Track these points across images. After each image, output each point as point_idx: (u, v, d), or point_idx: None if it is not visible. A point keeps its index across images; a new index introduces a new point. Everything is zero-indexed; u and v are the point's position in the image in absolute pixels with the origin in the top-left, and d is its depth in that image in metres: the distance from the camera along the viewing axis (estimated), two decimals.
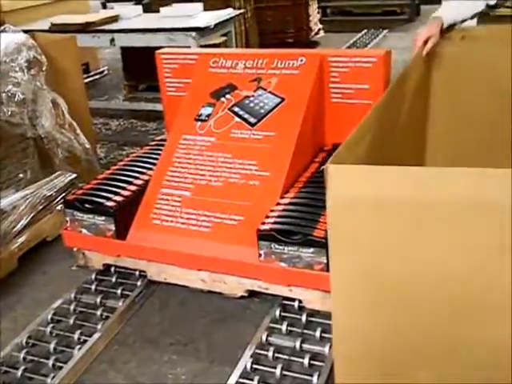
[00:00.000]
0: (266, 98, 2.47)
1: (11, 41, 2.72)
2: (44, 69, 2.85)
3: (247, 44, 5.61)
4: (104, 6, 8.23)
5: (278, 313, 2.12)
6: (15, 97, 2.65)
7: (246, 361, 1.91)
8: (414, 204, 1.16)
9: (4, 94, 2.61)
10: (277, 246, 2.02)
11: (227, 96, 2.53)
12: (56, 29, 4.12)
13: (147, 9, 4.99)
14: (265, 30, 6.05)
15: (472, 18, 2.30)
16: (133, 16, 4.55)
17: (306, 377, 1.86)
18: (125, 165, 2.66)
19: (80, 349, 2.04)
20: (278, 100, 2.44)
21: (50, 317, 2.21)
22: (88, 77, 5.37)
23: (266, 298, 2.22)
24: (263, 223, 2.08)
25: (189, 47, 3.74)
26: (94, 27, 4.19)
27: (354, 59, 2.47)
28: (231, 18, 4.37)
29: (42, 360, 2.02)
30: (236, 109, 2.48)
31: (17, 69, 2.69)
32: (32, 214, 2.69)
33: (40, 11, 5.06)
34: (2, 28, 3.09)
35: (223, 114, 2.48)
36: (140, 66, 4.73)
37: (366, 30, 6.81)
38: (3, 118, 2.60)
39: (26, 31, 3.04)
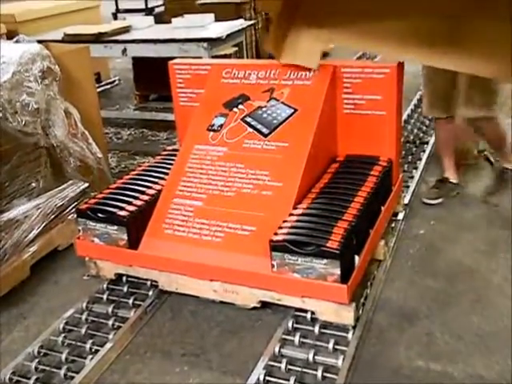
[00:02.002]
0: (279, 109, 2.47)
1: (26, 51, 2.74)
2: (57, 79, 2.86)
3: (258, 54, 5.63)
4: (115, 17, 8.33)
5: (290, 324, 2.11)
6: (29, 106, 2.66)
7: (258, 372, 1.89)
8: None
9: (18, 104, 2.62)
10: (290, 257, 2.01)
11: (240, 106, 2.53)
12: (69, 39, 4.15)
13: (159, 19, 5.03)
14: None
15: None
16: (144, 26, 4.58)
17: None
18: (137, 174, 2.66)
19: (92, 359, 2.03)
20: (291, 111, 2.45)
21: (61, 326, 2.21)
22: (99, 86, 5.41)
23: (278, 309, 2.21)
24: (276, 234, 2.07)
25: (200, 58, 3.76)
26: (107, 37, 4.22)
27: (367, 70, 2.47)
28: (242, 28, 4.39)
29: (53, 370, 2.02)
30: (249, 119, 2.48)
31: (31, 79, 2.70)
32: (44, 223, 2.70)
33: (52, 22, 5.11)
34: (16, 38, 3.12)
35: (236, 125, 2.49)
36: (151, 76, 4.76)
37: None
38: (17, 127, 2.62)
39: (39, 41, 3.06)
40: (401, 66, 2.45)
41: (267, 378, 1.89)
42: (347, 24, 2.37)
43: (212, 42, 3.90)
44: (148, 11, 8.52)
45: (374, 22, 2.30)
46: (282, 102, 2.49)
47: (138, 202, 2.41)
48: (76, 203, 2.83)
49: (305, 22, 2.47)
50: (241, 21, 4.51)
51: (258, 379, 1.88)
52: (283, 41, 2.52)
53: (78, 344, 2.13)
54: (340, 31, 2.41)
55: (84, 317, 2.26)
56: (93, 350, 2.09)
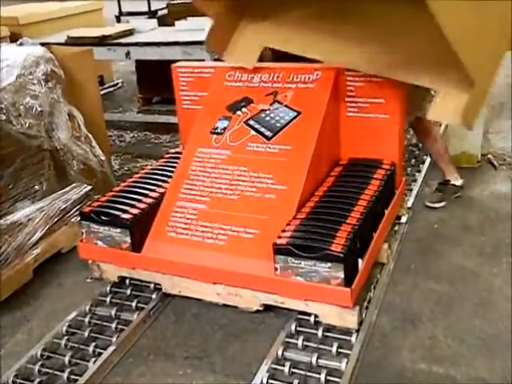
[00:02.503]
0: (282, 112, 2.47)
1: (30, 54, 2.75)
2: (61, 81, 2.87)
3: (260, 58, 5.61)
4: (118, 20, 8.33)
5: (293, 327, 2.11)
6: (33, 109, 2.68)
7: (261, 376, 1.90)
8: None
9: (22, 107, 2.63)
10: (293, 261, 2.01)
11: (243, 109, 2.53)
12: (72, 42, 4.16)
13: (162, 22, 5.03)
14: None
15: None
16: (148, 29, 4.59)
17: None
18: (140, 177, 2.66)
19: (95, 361, 2.03)
20: (294, 114, 2.45)
21: (65, 329, 2.21)
22: (103, 89, 5.41)
23: (281, 313, 2.20)
24: (279, 237, 2.07)
25: (203, 60, 3.76)
26: (110, 40, 4.23)
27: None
28: None
29: (56, 372, 2.02)
30: (252, 122, 2.48)
31: (35, 81, 2.71)
32: (47, 226, 2.71)
33: (56, 24, 5.12)
34: (20, 41, 3.13)
35: (239, 128, 2.49)
36: (154, 79, 4.76)
37: None
38: (20, 130, 2.63)
39: (43, 44, 3.07)
40: None
41: (270, 381, 1.89)
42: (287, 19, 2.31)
43: None
44: (151, 14, 8.51)
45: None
46: (286, 105, 2.49)
47: (142, 205, 2.41)
48: (79, 206, 2.84)
49: (250, 18, 2.42)
50: None
51: (262, 382, 1.88)
52: (229, 37, 2.46)
53: (81, 347, 2.14)
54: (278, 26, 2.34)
55: (87, 319, 2.27)
56: (96, 353, 2.09)
